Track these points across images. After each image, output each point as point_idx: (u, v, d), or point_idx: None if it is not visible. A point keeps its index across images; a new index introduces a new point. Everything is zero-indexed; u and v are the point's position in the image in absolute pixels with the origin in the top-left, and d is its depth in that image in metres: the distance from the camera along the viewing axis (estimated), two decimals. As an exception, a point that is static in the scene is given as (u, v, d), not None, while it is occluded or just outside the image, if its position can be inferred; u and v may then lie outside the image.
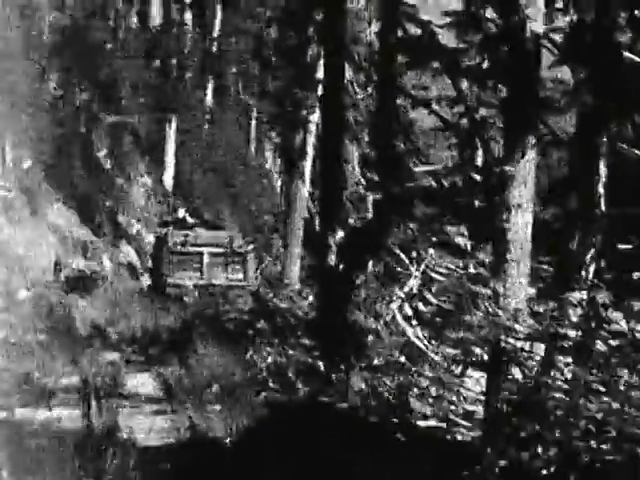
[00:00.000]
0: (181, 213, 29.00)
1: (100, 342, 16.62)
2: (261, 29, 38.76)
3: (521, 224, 8.89)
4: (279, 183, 46.16)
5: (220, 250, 26.33)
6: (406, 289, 11.58)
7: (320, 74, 32.35)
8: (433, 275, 11.96)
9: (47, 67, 32.59)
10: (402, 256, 12.29)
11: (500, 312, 7.99)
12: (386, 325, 11.60)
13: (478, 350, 8.07)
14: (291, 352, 13.40)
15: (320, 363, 12.18)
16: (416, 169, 12.76)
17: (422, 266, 11.88)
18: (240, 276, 26.26)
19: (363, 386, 10.63)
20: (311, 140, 32.24)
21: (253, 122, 43.55)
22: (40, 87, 31.36)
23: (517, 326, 7.73)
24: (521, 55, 9.01)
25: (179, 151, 37.95)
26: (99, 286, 25.49)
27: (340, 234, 14.26)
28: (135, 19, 37.19)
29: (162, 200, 36.40)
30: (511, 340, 7.64)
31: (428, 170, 12.30)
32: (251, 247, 27.50)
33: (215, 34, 39.57)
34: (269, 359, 13.43)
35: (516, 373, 7.75)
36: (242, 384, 12.41)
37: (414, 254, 12.19)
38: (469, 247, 11.63)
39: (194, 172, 38.23)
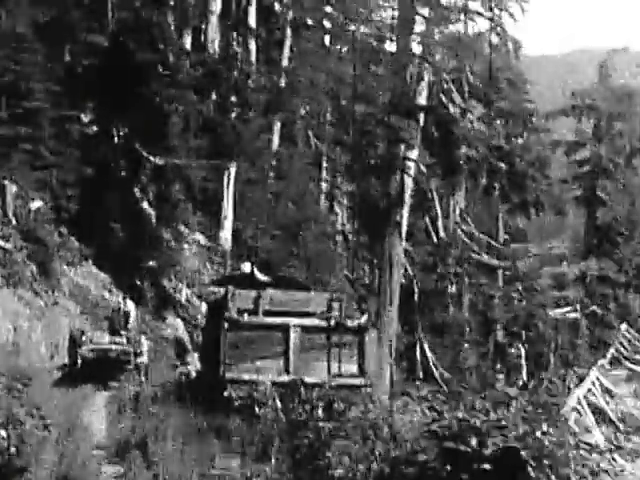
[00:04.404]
0: (247, 267, 19.77)
1: None
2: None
3: None
4: (352, 243, 39.48)
5: (317, 323, 16.69)
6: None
7: (422, 99, 25.94)
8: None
9: (80, 95, 26.39)
10: None
11: None
12: None
13: None
14: None
15: None
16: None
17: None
18: (353, 368, 16.67)
19: None
20: (409, 184, 25.54)
21: (324, 172, 37.13)
22: (68, 116, 25.11)
23: None
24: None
25: (239, 204, 31.14)
26: (128, 372, 18.50)
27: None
28: (189, 42, 30.66)
29: (218, 261, 29.74)
30: None
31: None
32: (366, 318, 17.18)
33: (284, 65, 33.15)
34: None
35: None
36: None
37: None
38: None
39: (256, 229, 31.39)
